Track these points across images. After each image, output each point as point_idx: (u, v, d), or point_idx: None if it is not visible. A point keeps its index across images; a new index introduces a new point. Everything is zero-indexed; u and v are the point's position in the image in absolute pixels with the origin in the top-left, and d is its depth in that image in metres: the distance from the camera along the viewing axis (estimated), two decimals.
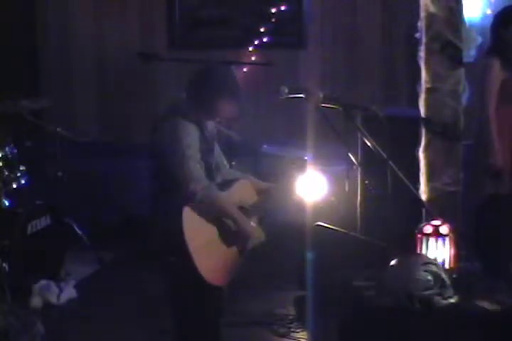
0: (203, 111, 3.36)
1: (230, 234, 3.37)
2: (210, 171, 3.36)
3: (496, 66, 4.54)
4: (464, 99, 4.40)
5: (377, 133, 3.57)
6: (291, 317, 4.62)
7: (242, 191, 3.48)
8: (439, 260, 3.55)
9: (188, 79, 3.40)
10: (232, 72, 3.44)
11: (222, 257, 3.35)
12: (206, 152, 3.34)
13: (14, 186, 4.95)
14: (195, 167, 3.21)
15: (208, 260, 3.24)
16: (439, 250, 3.59)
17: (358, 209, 4.37)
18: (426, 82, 4.34)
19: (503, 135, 4.54)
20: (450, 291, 3.36)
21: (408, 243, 3.70)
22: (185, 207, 3.19)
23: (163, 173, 3.30)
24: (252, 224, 3.47)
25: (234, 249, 3.40)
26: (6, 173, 4.90)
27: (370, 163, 3.92)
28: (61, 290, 4.87)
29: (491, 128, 4.51)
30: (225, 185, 3.42)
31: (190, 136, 3.25)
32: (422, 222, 3.79)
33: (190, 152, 3.21)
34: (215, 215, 3.29)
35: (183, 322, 3.40)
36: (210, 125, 3.47)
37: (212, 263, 3.26)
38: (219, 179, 3.44)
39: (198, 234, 3.22)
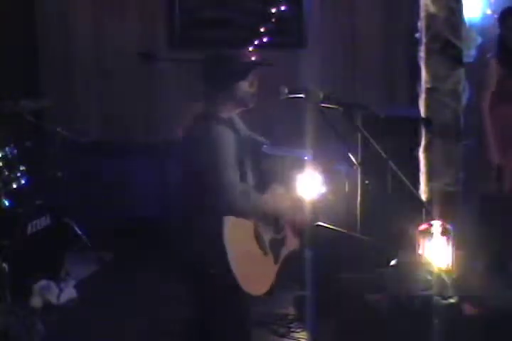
0: (229, 101, 3.25)
1: (267, 241, 3.27)
2: (244, 174, 3.18)
3: (494, 63, 4.56)
4: (464, 99, 4.41)
5: (377, 133, 3.56)
6: (291, 317, 4.63)
7: (279, 195, 3.35)
8: (439, 260, 3.55)
9: (200, 71, 3.29)
10: (241, 54, 3.36)
11: (260, 266, 3.25)
12: (241, 154, 3.17)
13: (14, 186, 4.95)
14: (230, 175, 3.03)
15: (248, 270, 3.11)
16: (439, 250, 3.59)
17: (358, 209, 4.37)
18: (426, 81, 4.34)
19: (503, 133, 4.54)
20: (450, 291, 3.36)
21: (408, 243, 3.70)
22: (226, 217, 3.01)
23: (196, 182, 3.10)
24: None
25: (270, 257, 3.30)
26: (6, 173, 4.89)
27: (370, 163, 3.91)
28: (61, 290, 4.87)
29: (485, 124, 4.52)
30: (260, 188, 3.24)
31: (227, 140, 3.08)
32: (422, 222, 3.79)
33: (226, 159, 3.03)
34: (254, 222, 3.16)
35: (219, 333, 3.26)
36: (240, 122, 3.39)
37: (251, 273, 3.15)
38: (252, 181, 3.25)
39: (239, 245, 3.08)
